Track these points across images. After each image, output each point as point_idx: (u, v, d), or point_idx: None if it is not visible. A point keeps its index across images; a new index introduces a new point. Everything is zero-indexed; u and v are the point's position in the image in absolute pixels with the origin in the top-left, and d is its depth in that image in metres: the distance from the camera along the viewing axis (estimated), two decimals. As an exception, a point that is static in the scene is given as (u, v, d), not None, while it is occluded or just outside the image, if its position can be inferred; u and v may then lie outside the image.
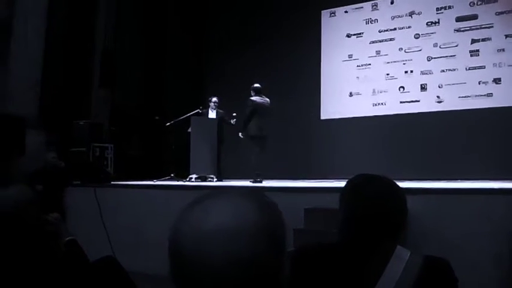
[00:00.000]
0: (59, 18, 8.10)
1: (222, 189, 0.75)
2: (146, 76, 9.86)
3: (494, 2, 7.80)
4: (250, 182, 6.84)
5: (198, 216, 0.70)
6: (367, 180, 1.38)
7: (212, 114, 7.69)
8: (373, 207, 1.30)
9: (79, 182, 6.46)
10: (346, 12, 9.21)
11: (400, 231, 1.33)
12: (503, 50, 7.67)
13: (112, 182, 6.62)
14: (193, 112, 7.62)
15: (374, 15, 8.91)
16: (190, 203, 0.74)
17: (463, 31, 8.05)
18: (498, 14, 7.76)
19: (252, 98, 7.15)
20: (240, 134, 7.29)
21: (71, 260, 1.99)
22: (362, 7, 9.04)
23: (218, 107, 7.75)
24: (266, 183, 6.88)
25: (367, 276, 1.24)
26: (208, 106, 7.72)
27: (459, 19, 8.09)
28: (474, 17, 7.95)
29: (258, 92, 7.23)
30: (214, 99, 7.74)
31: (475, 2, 7.97)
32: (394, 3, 8.74)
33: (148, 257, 4.99)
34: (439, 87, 8.20)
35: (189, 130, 7.48)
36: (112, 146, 7.84)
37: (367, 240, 1.30)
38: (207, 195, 0.74)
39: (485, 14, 7.85)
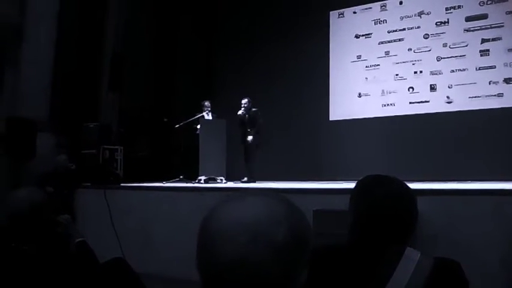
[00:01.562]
0: (70, 22, 8.18)
1: (253, 189, 0.81)
2: (155, 78, 9.92)
3: (504, 1, 7.72)
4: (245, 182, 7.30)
5: (232, 206, 0.73)
6: (376, 181, 1.37)
7: (207, 117, 7.75)
8: (382, 209, 1.29)
9: (89, 184, 6.51)
10: (354, 13, 9.18)
11: (410, 233, 1.32)
12: (514, 49, 7.59)
13: (121, 184, 6.66)
14: (199, 115, 7.63)
15: (383, 15, 8.87)
16: (227, 197, 0.77)
17: (472, 31, 7.98)
18: (508, 13, 7.69)
19: (257, 110, 7.64)
20: (255, 145, 7.56)
21: (81, 261, 2.01)
22: (371, 8, 9.00)
23: (211, 110, 7.81)
24: (275, 185, 6.88)
25: (376, 277, 1.24)
26: (202, 110, 7.74)
27: (469, 19, 8.03)
28: (484, 16, 7.88)
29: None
30: (207, 103, 7.79)
31: (485, 1, 7.90)
32: (403, 3, 8.70)
33: (157, 258, 5.01)
34: (449, 87, 8.14)
35: (198, 132, 7.51)
36: (121, 148, 7.89)
37: (377, 241, 1.29)
38: (240, 194, 0.77)
39: (495, 13, 7.78)
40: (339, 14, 9.33)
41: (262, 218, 0.70)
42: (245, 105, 7.63)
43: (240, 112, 7.62)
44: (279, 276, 0.68)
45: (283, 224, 0.70)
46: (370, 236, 1.30)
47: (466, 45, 8.01)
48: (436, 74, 8.27)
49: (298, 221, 0.74)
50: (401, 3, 8.72)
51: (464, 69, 8.02)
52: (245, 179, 7.50)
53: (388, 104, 8.71)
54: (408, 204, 1.33)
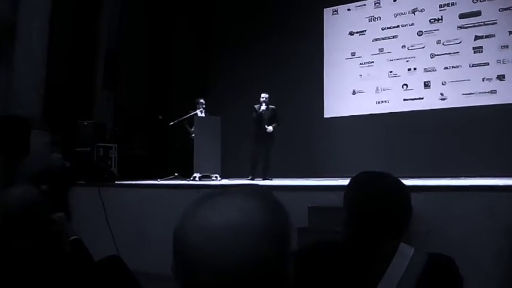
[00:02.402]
0: (63, 18, 8.12)
1: (229, 187, 0.73)
2: (150, 76, 9.88)
3: (497, -2, 7.76)
4: (268, 179, 7.17)
5: (204, 213, 0.69)
6: (371, 177, 1.38)
7: (201, 115, 7.68)
8: (377, 205, 1.30)
9: (83, 182, 6.49)
10: (348, 10, 9.18)
11: (404, 229, 1.33)
12: (507, 46, 7.63)
13: (116, 182, 6.64)
14: (193, 113, 7.59)
15: (377, 12, 8.88)
16: (197, 199, 0.73)
17: (466, 28, 8.01)
18: (502, 10, 7.73)
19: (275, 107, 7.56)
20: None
21: (75, 260, 2.00)
22: (365, 5, 9.01)
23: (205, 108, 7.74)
24: (270, 182, 6.89)
25: (371, 273, 1.24)
26: (197, 108, 7.68)
27: (462, 16, 8.05)
28: (477, 13, 7.91)
29: None
30: (202, 100, 7.73)
31: (479, -1, 7.93)
32: (397, 0, 8.71)
33: (152, 256, 5.00)
34: (443, 84, 8.17)
35: (193, 129, 7.50)
36: (116, 145, 7.87)
37: (371, 237, 1.30)
38: (214, 193, 0.73)
39: (489, 10, 7.81)
40: (333, 11, 9.33)
41: (237, 223, 0.67)
42: (266, 100, 7.36)
43: (263, 107, 7.34)
44: (259, 281, 0.66)
45: (260, 226, 0.67)
46: (364, 232, 1.31)
47: (460, 42, 8.04)
48: (429, 71, 8.30)
49: (277, 220, 0.70)
50: (395, 0, 8.74)
51: (457, 66, 8.05)
52: (268, 177, 7.25)
53: (382, 101, 8.73)
54: (402, 201, 1.33)
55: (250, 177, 7.34)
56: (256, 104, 7.45)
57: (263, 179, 7.25)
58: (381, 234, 1.29)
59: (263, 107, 7.36)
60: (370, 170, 1.42)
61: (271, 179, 7.23)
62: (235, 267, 0.65)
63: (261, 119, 7.35)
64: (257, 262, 0.66)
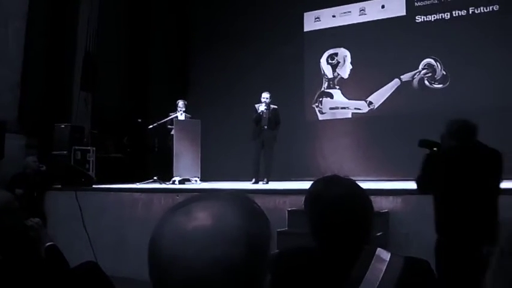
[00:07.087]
0: (40, 20, 7.99)
1: (207, 193, 0.73)
2: (128, 78, 9.80)
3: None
4: (264, 183, 6.94)
5: (179, 219, 0.69)
6: (324, 185, 1.35)
7: (181, 117, 7.63)
8: (333, 214, 1.28)
9: (60, 186, 6.37)
10: (333, 16, 9.13)
11: (369, 231, 1.32)
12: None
13: (93, 186, 6.55)
14: (173, 116, 7.51)
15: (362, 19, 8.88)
16: (174, 206, 0.73)
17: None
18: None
19: (277, 108, 7.32)
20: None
21: (51, 266, 1.96)
22: (350, 11, 8.97)
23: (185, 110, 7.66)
24: (251, 185, 6.86)
25: (350, 278, 1.25)
26: (177, 110, 7.61)
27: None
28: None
29: None
30: (181, 103, 7.64)
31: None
32: (385, 7, 8.69)
33: (130, 262, 4.94)
34: (427, 86, 8.24)
35: (172, 132, 7.43)
36: (94, 148, 7.76)
37: (338, 245, 1.29)
38: (189, 200, 0.73)
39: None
40: (315, 18, 9.33)
41: (208, 227, 0.67)
42: (267, 100, 7.13)
43: (262, 107, 7.10)
44: (232, 283, 0.66)
45: (233, 231, 0.67)
46: (330, 241, 1.30)
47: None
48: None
49: (255, 227, 0.70)
50: (383, 7, 8.72)
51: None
52: (265, 180, 6.99)
53: (365, 103, 8.72)
54: (359, 204, 1.31)
55: (253, 181, 7.05)
56: (257, 104, 7.23)
57: (263, 182, 7.01)
58: (346, 240, 1.29)
59: (262, 106, 7.14)
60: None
61: (268, 183, 6.98)
62: (207, 272, 0.65)
63: (259, 119, 7.14)
64: (230, 267, 0.66)
